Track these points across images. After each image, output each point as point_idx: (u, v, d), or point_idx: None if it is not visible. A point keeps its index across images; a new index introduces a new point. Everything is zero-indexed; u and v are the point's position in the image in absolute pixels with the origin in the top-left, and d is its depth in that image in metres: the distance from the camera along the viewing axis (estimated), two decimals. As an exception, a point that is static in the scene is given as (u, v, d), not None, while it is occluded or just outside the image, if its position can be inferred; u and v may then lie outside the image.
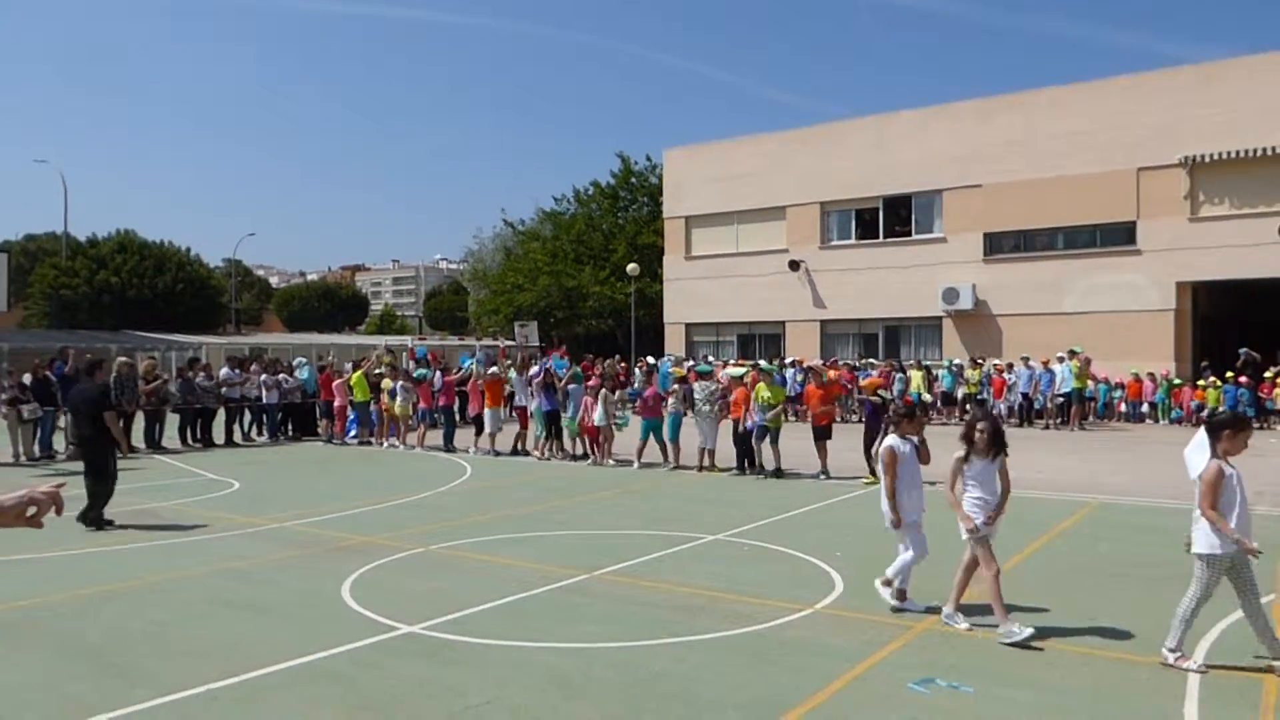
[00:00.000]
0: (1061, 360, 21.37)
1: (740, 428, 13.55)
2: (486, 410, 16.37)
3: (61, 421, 16.87)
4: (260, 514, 10.54)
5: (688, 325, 32.77)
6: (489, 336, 44.38)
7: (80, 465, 10.22)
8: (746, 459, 13.59)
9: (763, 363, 15.94)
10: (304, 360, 21.16)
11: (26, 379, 16.16)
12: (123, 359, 18.40)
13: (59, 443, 16.84)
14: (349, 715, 4.65)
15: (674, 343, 32.30)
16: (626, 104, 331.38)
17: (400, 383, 17.66)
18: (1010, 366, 22.92)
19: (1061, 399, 21.41)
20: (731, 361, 23.82)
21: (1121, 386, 23.16)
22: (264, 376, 19.39)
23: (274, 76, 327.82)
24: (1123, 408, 23.10)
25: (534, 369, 16.40)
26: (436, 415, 17.98)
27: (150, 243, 52.91)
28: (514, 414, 16.60)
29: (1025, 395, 22.03)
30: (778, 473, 13.13)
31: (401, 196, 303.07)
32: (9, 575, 7.75)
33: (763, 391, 13.17)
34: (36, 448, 15.98)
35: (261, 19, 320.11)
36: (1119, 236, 24.93)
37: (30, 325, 47.10)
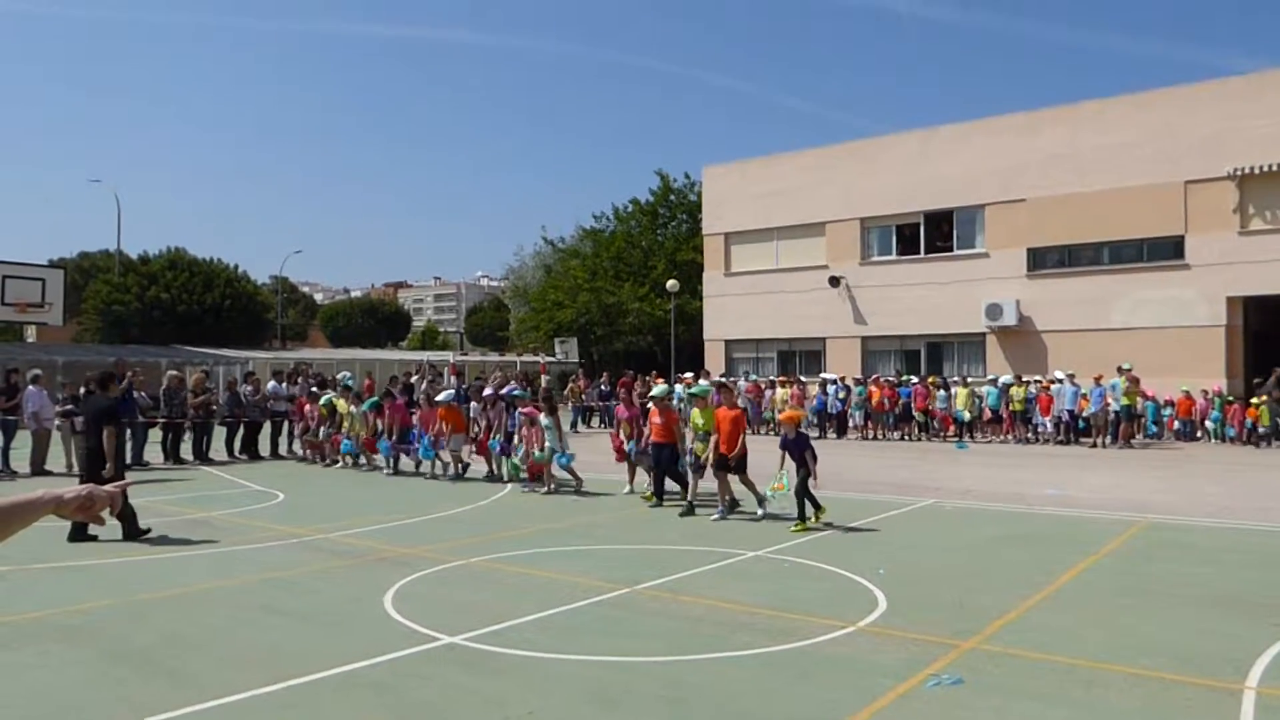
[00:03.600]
0: (1120, 373, 20.97)
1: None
2: (451, 436, 14.99)
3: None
4: (304, 525, 10.69)
5: (727, 342, 32.68)
6: (529, 353, 44.70)
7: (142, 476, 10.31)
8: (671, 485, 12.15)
9: (701, 383, 13.74)
10: (348, 374, 21.46)
11: (81, 392, 16.58)
12: (173, 372, 18.87)
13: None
14: (392, 723, 4.70)
15: (714, 360, 32.25)
16: (666, 122, 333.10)
17: (353, 407, 16.89)
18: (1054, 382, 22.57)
19: (1112, 416, 21.04)
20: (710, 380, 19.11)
21: (1171, 404, 22.67)
22: (314, 389, 19.72)
23: (320, 100, 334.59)
24: (1175, 425, 22.58)
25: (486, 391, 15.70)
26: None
27: (200, 260, 54.03)
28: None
29: (1071, 413, 21.66)
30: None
31: (443, 214, 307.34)
32: (66, 581, 7.96)
33: (696, 418, 11.60)
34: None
35: (309, 44, 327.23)
36: (1166, 251, 24.46)
37: (84, 340, 48.28)
